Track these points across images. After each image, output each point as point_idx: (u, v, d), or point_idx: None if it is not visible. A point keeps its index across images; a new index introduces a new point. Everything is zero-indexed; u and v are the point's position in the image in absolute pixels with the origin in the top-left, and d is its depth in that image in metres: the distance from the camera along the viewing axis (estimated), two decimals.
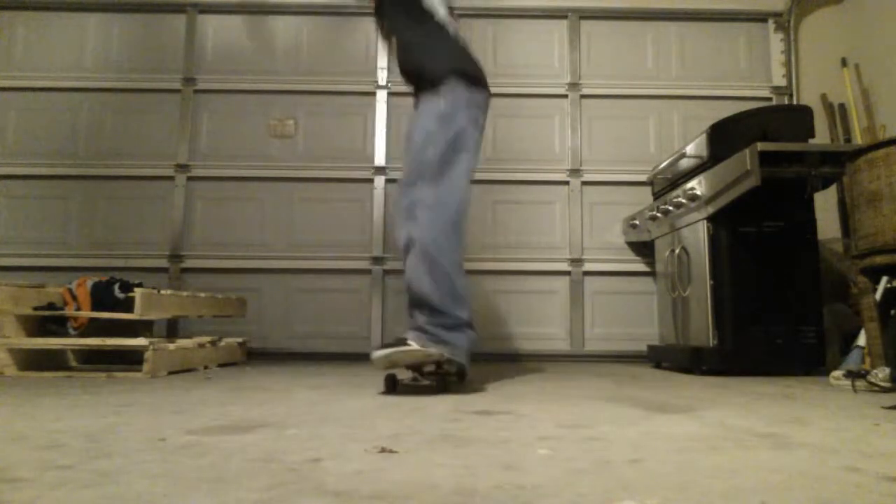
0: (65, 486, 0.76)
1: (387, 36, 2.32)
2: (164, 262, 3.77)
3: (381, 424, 1.27)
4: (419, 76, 2.12)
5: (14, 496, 0.71)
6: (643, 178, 3.71)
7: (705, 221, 2.77)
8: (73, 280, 2.65)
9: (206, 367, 2.78)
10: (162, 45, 3.98)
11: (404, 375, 2.06)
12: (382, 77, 3.92)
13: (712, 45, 4.00)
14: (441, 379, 1.90)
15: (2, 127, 3.89)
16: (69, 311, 2.53)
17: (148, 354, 2.34)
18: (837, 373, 2.19)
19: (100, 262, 3.69)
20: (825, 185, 2.76)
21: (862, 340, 2.42)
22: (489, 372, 2.67)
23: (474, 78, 2.08)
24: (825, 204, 3.41)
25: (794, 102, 3.84)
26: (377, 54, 3.93)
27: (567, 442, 1.08)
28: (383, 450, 0.99)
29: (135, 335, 2.52)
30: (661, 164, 3.39)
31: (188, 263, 3.78)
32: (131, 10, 4.01)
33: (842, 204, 3.56)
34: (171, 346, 2.50)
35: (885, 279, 2.26)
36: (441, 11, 2.18)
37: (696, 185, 2.83)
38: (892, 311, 2.31)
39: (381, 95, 3.89)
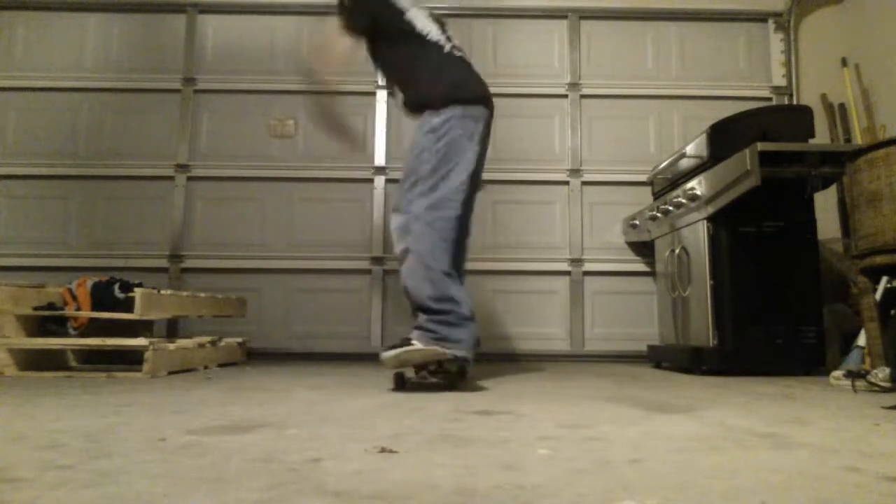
0: (65, 486, 0.76)
1: (383, 68, 2.37)
2: (164, 262, 3.77)
3: (381, 424, 1.27)
4: (420, 106, 2.19)
5: (14, 496, 0.71)
6: (643, 178, 3.71)
7: (705, 221, 2.77)
8: (73, 280, 2.65)
9: (206, 367, 2.78)
10: (162, 45, 3.98)
11: (412, 374, 2.12)
12: (383, 77, 3.91)
13: (712, 45, 4.00)
14: (448, 376, 1.99)
15: (2, 127, 3.89)
16: (69, 311, 2.53)
17: (148, 354, 2.34)
18: (837, 373, 2.19)
19: (100, 262, 3.69)
20: (825, 185, 2.76)
21: (862, 340, 2.42)
22: (489, 372, 2.67)
23: (471, 99, 2.15)
24: (825, 204, 3.41)
25: (794, 102, 3.84)
26: None
27: (567, 442, 1.08)
28: (383, 450, 0.99)
29: (135, 335, 2.52)
30: (661, 164, 3.39)
31: (188, 263, 3.78)
32: (131, 10, 4.01)
33: (842, 204, 3.56)
34: (171, 346, 2.50)
35: (885, 279, 2.26)
36: (433, 30, 2.23)
37: (696, 185, 2.83)
38: (892, 311, 2.31)
39: (381, 95, 3.89)
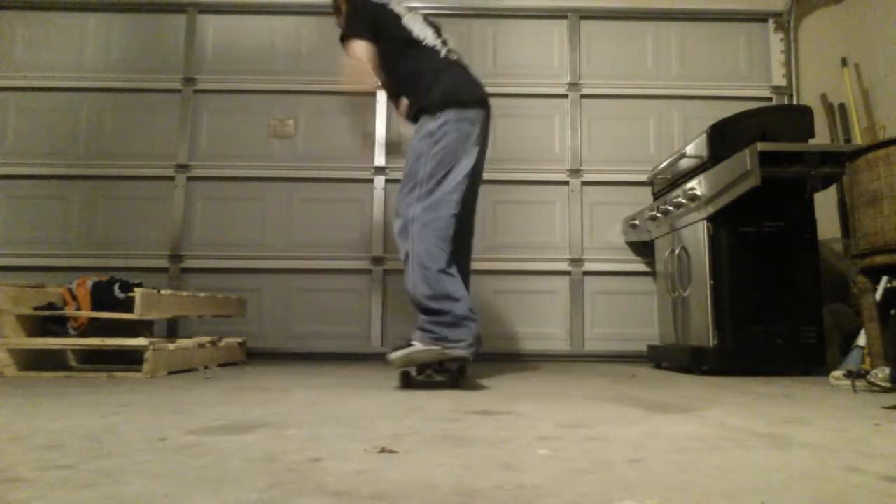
0: (65, 486, 0.76)
1: (385, 84, 2.38)
2: (164, 262, 3.77)
3: (381, 424, 1.27)
4: (417, 111, 2.22)
5: (14, 496, 0.71)
6: (643, 178, 3.71)
7: (705, 221, 2.77)
8: (73, 280, 2.65)
9: (205, 367, 2.78)
10: (162, 45, 3.98)
11: (416, 372, 2.16)
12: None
13: (712, 45, 4.00)
14: (451, 374, 2.07)
15: (2, 127, 3.89)
16: (69, 311, 2.53)
17: (148, 354, 2.34)
18: (837, 373, 2.19)
19: (100, 262, 3.69)
20: (825, 185, 2.75)
21: (862, 340, 2.42)
22: (489, 371, 2.68)
23: (466, 103, 2.18)
24: (825, 204, 3.41)
25: (794, 102, 3.84)
26: None
27: (567, 442, 1.08)
28: (383, 450, 0.99)
29: (135, 335, 2.52)
30: (661, 164, 3.39)
31: (188, 263, 3.78)
32: (131, 10, 4.01)
33: (842, 204, 3.56)
34: (171, 346, 2.50)
35: (885, 279, 2.26)
36: (428, 35, 2.27)
37: (696, 185, 2.83)
38: (893, 311, 2.31)
39: (382, 95, 3.88)
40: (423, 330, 2.01)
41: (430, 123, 2.14)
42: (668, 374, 2.80)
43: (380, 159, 3.85)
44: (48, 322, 2.56)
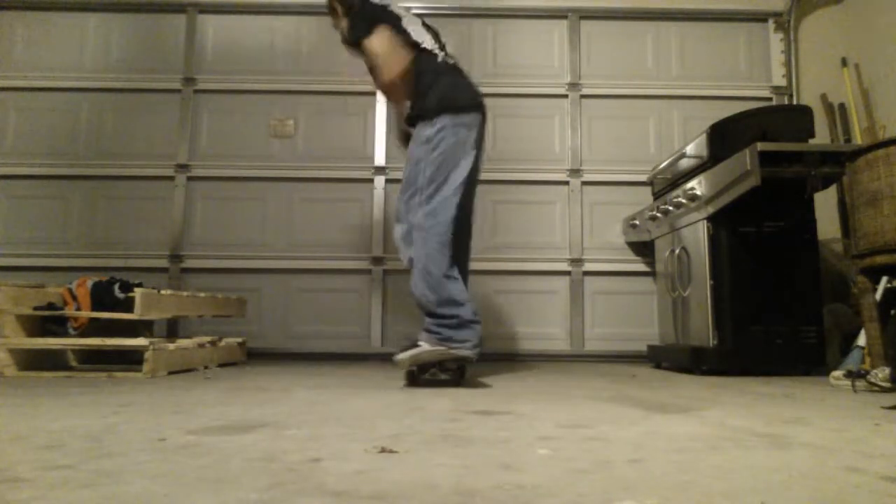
0: (65, 486, 0.76)
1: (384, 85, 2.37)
2: (164, 262, 3.77)
3: (381, 424, 1.27)
4: (414, 117, 2.25)
5: (14, 496, 0.71)
6: (643, 178, 3.71)
7: (705, 221, 2.77)
8: (73, 280, 2.65)
9: (206, 367, 2.78)
10: (162, 45, 3.98)
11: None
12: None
13: (712, 45, 4.00)
14: (454, 373, 2.11)
15: (2, 127, 3.89)
16: (69, 311, 2.53)
17: (148, 354, 2.34)
18: (837, 373, 2.19)
19: (100, 262, 3.69)
20: (825, 185, 2.76)
21: (862, 340, 2.42)
22: (489, 371, 2.68)
23: (462, 107, 2.20)
24: (825, 204, 3.41)
25: (794, 102, 3.84)
26: None
27: (567, 442, 1.08)
28: (383, 450, 0.99)
29: (135, 335, 2.52)
30: (661, 164, 3.39)
31: (188, 263, 3.78)
32: (131, 10, 4.01)
33: (842, 204, 3.56)
34: (171, 346, 2.50)
35: (885, 279, 2.26)
36: (426, 39, 2.29)
37: (696, 185, 2.83)
38: (893, 311, 2.31)
39: (381, 95, 3.89)
40: (429, 331, 2.07)
41: (427, 129, 2.16)
42: (668, 374, 2.80)
43: (380, 159, 3.85)
44: (48, 322, 2.56)
